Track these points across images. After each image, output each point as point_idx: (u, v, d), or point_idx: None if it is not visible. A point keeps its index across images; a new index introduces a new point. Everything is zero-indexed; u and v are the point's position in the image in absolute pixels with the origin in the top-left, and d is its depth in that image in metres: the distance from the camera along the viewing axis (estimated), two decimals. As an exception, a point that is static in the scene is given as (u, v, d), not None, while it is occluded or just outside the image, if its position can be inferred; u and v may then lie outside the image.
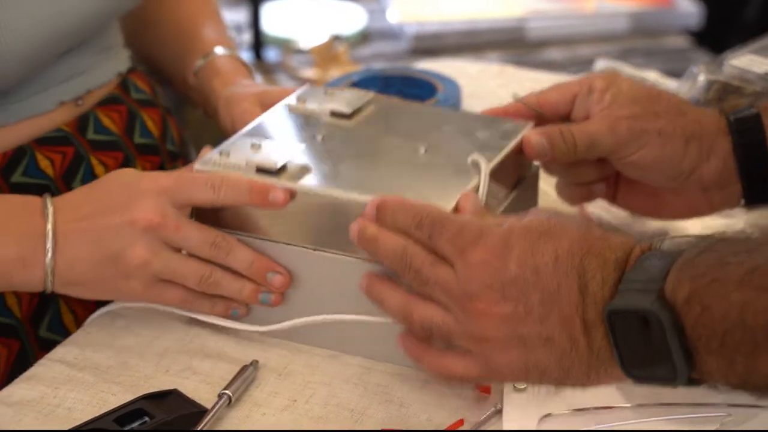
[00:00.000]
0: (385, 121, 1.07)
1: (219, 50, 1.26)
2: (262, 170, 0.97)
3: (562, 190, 1.12)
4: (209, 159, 0.99)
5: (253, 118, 1.08)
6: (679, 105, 1.05)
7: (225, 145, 1.01)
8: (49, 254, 0.96)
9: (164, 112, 1.27)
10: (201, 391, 0.95)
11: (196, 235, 0.97)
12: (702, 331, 0.76)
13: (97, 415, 0.91)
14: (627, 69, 1.51)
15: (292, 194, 0.96)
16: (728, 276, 0.75)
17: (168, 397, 0.93)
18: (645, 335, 0.78)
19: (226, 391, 0.93)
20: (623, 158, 1.04)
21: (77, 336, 1.02)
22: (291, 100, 1.10)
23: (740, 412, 0.88)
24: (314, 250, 0.97)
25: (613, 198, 1.11)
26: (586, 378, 0.83)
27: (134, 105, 1.22)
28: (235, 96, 1.16)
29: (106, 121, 1.18)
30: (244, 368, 0.96)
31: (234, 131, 1.08)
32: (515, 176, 1.05)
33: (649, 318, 0.77)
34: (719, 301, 0.75)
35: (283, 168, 0.98)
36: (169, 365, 0.98)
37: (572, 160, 1.05)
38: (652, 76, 1.49)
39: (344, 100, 1.08)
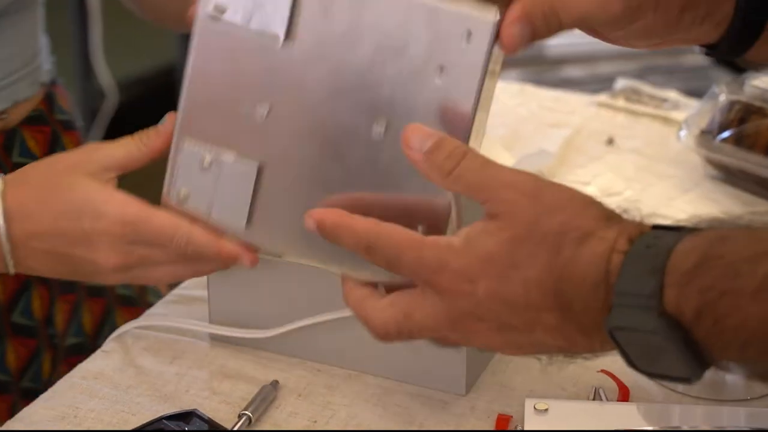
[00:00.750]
0: (329, 56, 0.89)
1: None
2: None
3: None
4: (172, 198, 0.92)
5: None
6: None
7: (177, 177, 0.92)
8: (11, 267, 0.94)
9: (81, 134, 1.24)
10: (221, 411, 0.95)
11: (163, 254, 0.92)
12: (716, 342, 0.74)
13: (117, 435, 0.92)
14: (646, 88, 1.51)
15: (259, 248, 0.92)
16: (741, 288, 0.72)
17: (188, 417, 0.93)
18: (653, 344, 0.75)
19: (246, 412, 0.93)
20: (609, 32, 0.92)
21: (97, 355, 1.02)
22: (208, 6, 0.91)
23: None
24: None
25: None
26: (593, 355, 0.81)
27: (57, 126, 1.19)
28: None
29: (31, 143, 1.16)
30: (264, 388, 0.96)
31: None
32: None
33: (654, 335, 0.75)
34: (734, 313, 0.72)
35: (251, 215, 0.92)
36: (189, 385, 0.98)
37: None
38: (672, 95, 1.49)
39: (271, 7, 0.89)
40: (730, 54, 0.92)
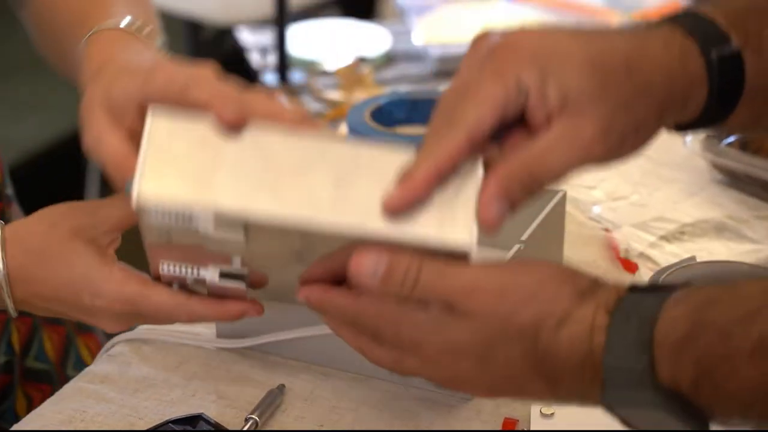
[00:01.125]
0: (292, 251, 0.83)
1: (113, 22, 0.94)
2: None
3: None
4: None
5: (116, 159, 0.85)
6: (641, 70, 0.81)
7: (167, 280, 0.87)
8: (13, 315, 0.93)
9: None
10: (227, 415, 0.95)
11: (165, 319, 0.90)
12: (718, 407, 0.73)
13: (123, 439, 0.92)
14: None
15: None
16: (736, 352, 0.71)
17: (194, 421, 0.93)
18: (653, 416, 0.74)
19: (253, 416, 0.93)
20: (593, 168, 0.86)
21: (104, 359, 1.02)
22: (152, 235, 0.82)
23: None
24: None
25: None
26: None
27: None
28: (84, 102, 0.88)
29: None
30: (270, 393, 0.96)
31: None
32: None
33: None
34: (732, 377, 0.71)
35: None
36: (196, 389, 0.98)
37: None
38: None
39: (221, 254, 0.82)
40: (703, 129, 0.89)
